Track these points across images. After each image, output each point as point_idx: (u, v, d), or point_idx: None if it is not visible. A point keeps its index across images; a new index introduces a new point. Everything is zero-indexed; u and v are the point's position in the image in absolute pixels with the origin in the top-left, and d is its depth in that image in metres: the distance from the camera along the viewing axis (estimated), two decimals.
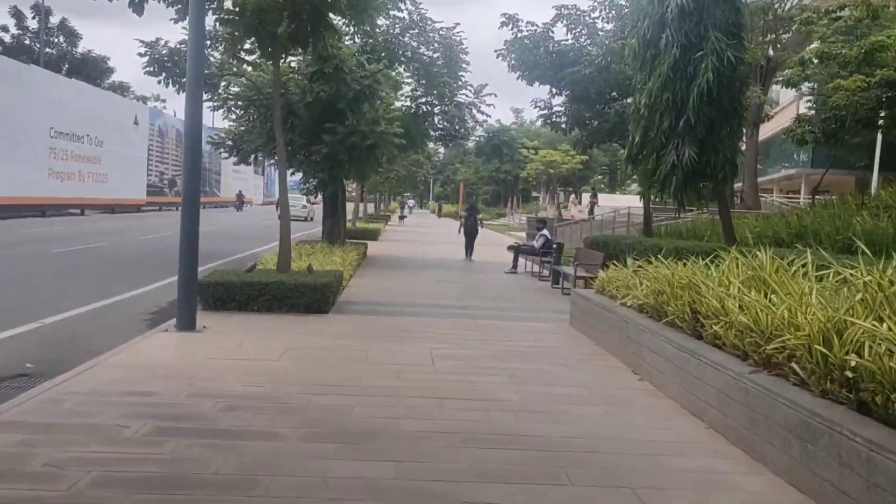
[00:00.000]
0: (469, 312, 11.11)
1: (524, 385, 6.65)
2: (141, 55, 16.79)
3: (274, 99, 11.72)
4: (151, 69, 16.90)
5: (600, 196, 59.73)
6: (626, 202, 53.85)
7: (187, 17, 9.28)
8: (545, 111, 15.19)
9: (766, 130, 29.19)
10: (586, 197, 46.58)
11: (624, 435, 5.32)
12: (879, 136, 18.71)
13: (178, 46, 17.13)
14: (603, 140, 14.75)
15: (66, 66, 56.31)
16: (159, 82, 16.22)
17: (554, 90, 14.29)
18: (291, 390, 6.16)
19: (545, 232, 18.06)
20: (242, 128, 19.62)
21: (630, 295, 8.50)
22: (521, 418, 5.62)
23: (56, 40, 57.85)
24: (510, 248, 18.84)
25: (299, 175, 20.57)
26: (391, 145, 16.96)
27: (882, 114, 14.08)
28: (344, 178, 18.97)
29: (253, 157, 19.13)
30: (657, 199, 10.07)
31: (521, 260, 18.30)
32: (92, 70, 57.18)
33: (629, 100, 13.44)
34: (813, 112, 16.42)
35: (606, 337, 8.48)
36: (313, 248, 16.66)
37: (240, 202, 63.08)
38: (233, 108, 18.57)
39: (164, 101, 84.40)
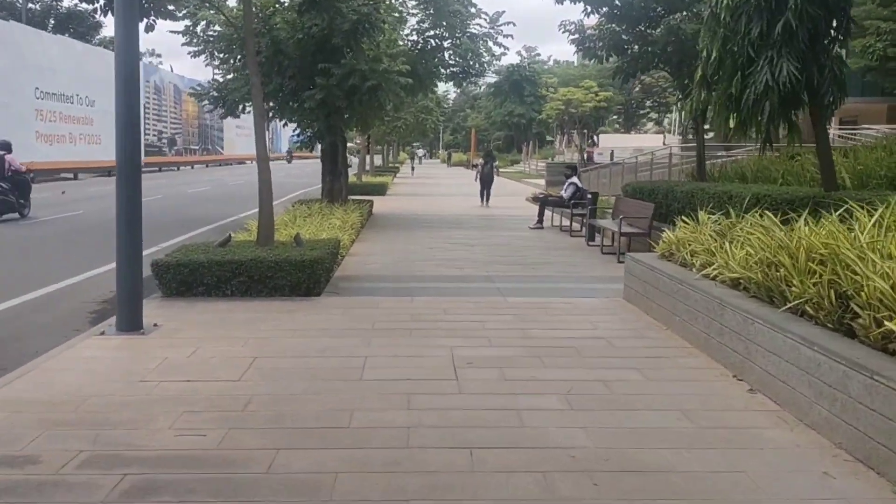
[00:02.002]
0: (496, 286, 8.96)
1: (592, 414, 4.53)
2: None
3: (245, 30, 9.40)
4: None
5: (612, 138, 56.86)
6: (641, 142, 51.06)
7: None
8: (576, 35, 12.72)
9: None
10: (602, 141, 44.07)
11: None
12: None
13: None
14: (648, 67, 12.32)
15: (52, 21, 53.58)
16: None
17: (588, 7, 11.82)
18: (249, 441, 4.08)
19: (575, 180, 15.76)
20: (230, 76, 17.33)
21: (717, 265, 6.30)
22: (604, 487, 3.51)
23: None
24: (535, 198, 16.60)
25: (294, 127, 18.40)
26: (397, 86, 14.61)
27: None
28: (344, 127, 16.66)
29: (241, 107, 16.81)
30: (727, 134, 7.75)
31: (548, 212, 16.06)
32: (79, 25, 54.36)
33: (677, 16, 10.99)
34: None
35: (687, 322, 6.31)
36: (310, 210, 14.50)
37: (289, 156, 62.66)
38: (215, 53, 16.23)
39: (159, 55, 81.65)
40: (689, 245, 7.14)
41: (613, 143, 46.28)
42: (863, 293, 4.23)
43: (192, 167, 58.26)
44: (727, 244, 6.45)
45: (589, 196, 13.63)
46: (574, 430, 4.25)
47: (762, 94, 6.89)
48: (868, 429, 3.69)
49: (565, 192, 15.57)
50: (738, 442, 4.09)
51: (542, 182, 32.79)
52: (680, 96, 12.41)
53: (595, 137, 56.32)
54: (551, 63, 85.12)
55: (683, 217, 7.89)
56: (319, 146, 17.74)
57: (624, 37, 12.39)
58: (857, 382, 3.81)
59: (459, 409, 4.59)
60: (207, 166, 60.90)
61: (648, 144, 46.96)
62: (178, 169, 54.86)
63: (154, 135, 51.85)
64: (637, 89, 66.63)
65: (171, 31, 15.60)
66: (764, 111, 6.95)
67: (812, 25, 6.78)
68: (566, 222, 15.57)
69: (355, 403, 4.67)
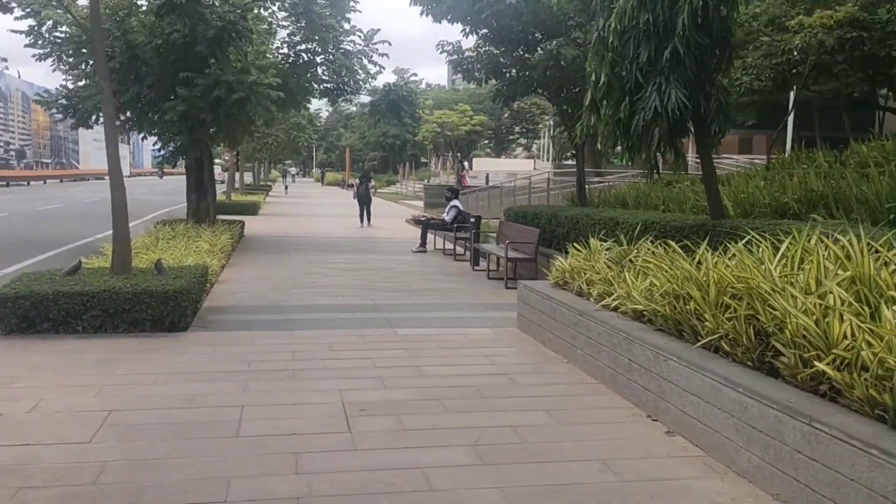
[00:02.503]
0: (383, 316, 8.38)
1: (506, 469, 4.04)
2: None
3: (93, 29, 8.38)
4: None
5: (485, 161, 57.74)
6: (514, 166, 52.17)
7: None
8: (454, 56, 12.44)
9: None
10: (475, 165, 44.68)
11: None
12: (794, 92, 17.29)
13: None
14: (527, 91, 12.17)
15: None
16: None
17: (467, 28, 11.56)
18: None
19: (457, 203, 15.47)
20: (81, 82, 15.83)
21: (616, 296, 6.04)
22: None
23: None
24: (417, 221, 16.16)
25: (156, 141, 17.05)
26: (267, 100, 13.78)
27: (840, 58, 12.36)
28: (210, 142, 15.58)
29: (94, 118, 15.37)
30: (628, 160, 7.58)
31: (430, 235, 15.66)
32: None
33: (555, 42, 10.92)
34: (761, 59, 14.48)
35: (590, 356, 5.99)
36: (174, 231, 13.36)
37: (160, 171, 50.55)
38: (63, 57, 14.76)
39: (5, 59, 75.22)
40: (585, 273, 6.87)
41: (487, 167, 46.98)
42: (786, 330, 4.00)
43: (45, 182, 53.95)
44: (626, 273, 6.21)
45: (472, 220, 13.34)
46: (489, 490, 3.75)
47: (651, 121, 6.75)
48: (810, 480, 3.41)
49: (447, 216, 15.24)
50: (670, 497, 3.72)
51: (421, 204, 32.54)
52: (559, 121, 12.36)
53: (466, 162, 57.01)
54: (423, 86, 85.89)
55: (574, 244, 7.65)
56: (184, 162, 16.53)
57: (502, 60, 12.22)
58: (794, 429, 3.53)
59: (355, 469, 3.97)
60: (62, 181, 56.58)
61: (521, 168, 48.04)
62: (29, 184, 50.63)
63: (0, 146, 47.63)
64: (507, 115, 68.38)
65: (13, 31, 14.05)
66: (653, 137, 6.81)
67: (699, 53, 6.73)
68: (449, 246, 15.22)
69: (232, 468, 3.96)
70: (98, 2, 8.32)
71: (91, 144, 69.89)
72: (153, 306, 7.20)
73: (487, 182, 31.21)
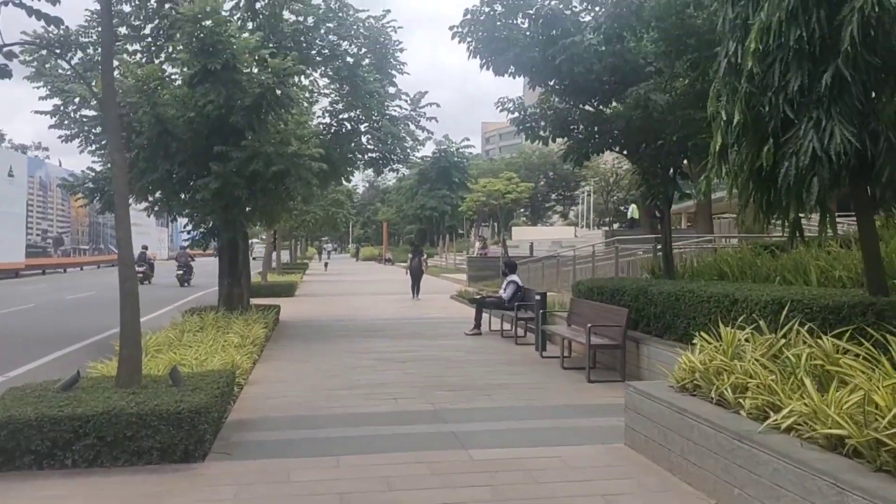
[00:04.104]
0: (449, 429, 6.68)
1: None
2: None
3: (103, 84, 7.07)
4: None
5: (525, 230, 56.18)
6: (556, 234, 50.47)
7: None
8: (516, 114, 11.05)
9: None
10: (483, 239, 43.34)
11: None
12: None
13: None
14: (601, 148, 10.67)
15: None
16: None
17: (532, 80, 10.18)
18: None
19: (515, 278, 13.86)
20: (109, 164, 14.80)
21: (791, 412, 4.32)
22: None
23: None
24: (472, 301, 14.57)
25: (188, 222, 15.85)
26: (308, 172, 12.50)
27: None
28: (245, 221, 14.31)
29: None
30: (765, 222, 5.92)
31: (485, 314, 14.01)
32: None
33: (643, 89, 9.41)
34: None
35: (758, 502, 4.22)
36: (203, 321, 11.94)
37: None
38: (89, 137, 13.73)
39: (46, 149, 77.02)
40: (728, 376, 5.15)
41: (527, 236, 45.40)
42: None
43: (81, 269, 53.69)
44: (803, 378, 4.49)
45: (537, 297, 11.68)
46: None
47: (807, 168, 5.13)
48: None
49: (505, 293, 13.62)
50: None
51: (464, 277, 30.96)
52: (637, 180, 10.77)
53: (484, 234, 55.63)
54: (480, 152, 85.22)
55: (700, 333, 5.95)
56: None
57: (570, 115, 10.78)
58: None
59: None
60: (99, 267, 56.32)
61: (563, 236, 46.34)
62: (65, 271, 50.32)
63: (38, 234, 47.58)
64: (543, 182, 67.28)
65: (37, 112, 13.11)
66: (810, 189, 5.18)
67: (868, 78, 5.16)
68: (507, 326, 13.55)
69: None
70: (110, 57, 7.07)
71: (130, 229, 70.19)
72: (162, 431, 5.63)
73: (532, 252, 29.53)
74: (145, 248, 37.73)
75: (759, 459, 4.23)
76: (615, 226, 45.47)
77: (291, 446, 6.14)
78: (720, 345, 5.62)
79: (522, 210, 70.90)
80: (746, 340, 5.59)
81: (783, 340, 5.44)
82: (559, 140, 11.15)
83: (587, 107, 10.68)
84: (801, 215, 6.05)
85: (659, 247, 12.45)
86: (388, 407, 7.66)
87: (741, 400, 4.87)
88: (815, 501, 3.74)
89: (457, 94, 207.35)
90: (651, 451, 5.62)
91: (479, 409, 7.56)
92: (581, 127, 10.88)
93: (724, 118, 5.60)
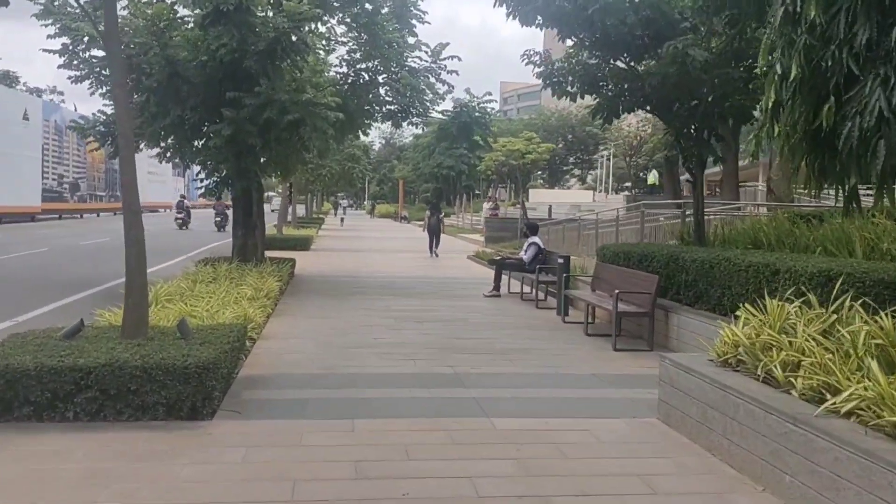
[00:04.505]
0: (470, 395, 6.33)
1: None
2: None
3: (106, 27, 6.62)
4: None
5: (543, 193, 55.24)
6: (574, 198, 49.78)
7: None
8: (542, 68, 10.48)
9: None
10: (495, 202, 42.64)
11: None
12: None
13: None
14: (633, 106, 10.10)
15: None
16: None
17: (560, 31, 9.56)
18: None
19: (537, 240, 13.41)
20: (120, 109, 14.35)
21: (851, 395, 3.93)
22: None
23: None
24: (492, 262, 14.17)
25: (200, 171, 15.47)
26: (324, 122, 12.03)
27: None
28: (259, 171, 13.90)
29: (135, 144, 13.83)
30: (817, 188, 5.45)
31: (504, 276, 13.62)
32: None
33: (681, 44, 8.80)
34: None
35: (814, 491, 3.85)
36: (216, 272, 11.65)
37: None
38: (100, 78, 13.28)
39: (61, 93, 76.48)
40: (777, 352, 4.74)
41: (544, 198, 44.73)
42: None
43: (98, 215, 53.72)
44: (868, 360, 4.08)
45: (560, 260, 11.25)
46: None
47: (873, 129, 4.64)
48: None
49: (526, 255, 13.20)
50: None
51: (480, 238, 30.52)
52: (670, 141, 10.24)
53: (510, 194, 54.62)
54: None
55: (746, 305, 5.53)
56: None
57: (598, 73, 10.21)
58: None
59: None
60: (116, 214, 56.29)
61: (581, 200, 45.63)
62: (82, 217, 50.37)
63: (54, 179, 47.47)
64: (561, 145, 66.19)
65: (45, 51, 12.65)
66: (877, 152, 4.69)
67: None
68: (527, 289, 13.17)
69: None
70: None
71: (145, 177, 70.10)
72: (168, 386, 5.32)
73: (550, 215, 28.94)
74: (183, 196, 38.88)
75: (816, 446, 3.85)
76: (634, 191, 44.70)
77: (305, 407, 5.83)
78: (766, 318, 5.20)
79: (540, 173, 70.00)
80: (796, 315, 5.17)
81: (834, 316, 5.03)
82: (587, 98, 10.60)
83: (618, 62, 10.10)
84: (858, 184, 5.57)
85: (689, 212, 11.98)
86: (405, 368, 7.33)
87: (792, 379, 4.47)
88: (884, 497, 3.36)
89: (475, 55, 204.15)
90: (688, 429, 5.25)
91: (502, 374, 7.22)
92: (611, 84, 10.33)
93: (779, 72, 5.09)
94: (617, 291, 8.62)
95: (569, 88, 10.58)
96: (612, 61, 10.31)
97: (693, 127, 9.66)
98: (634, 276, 9.15)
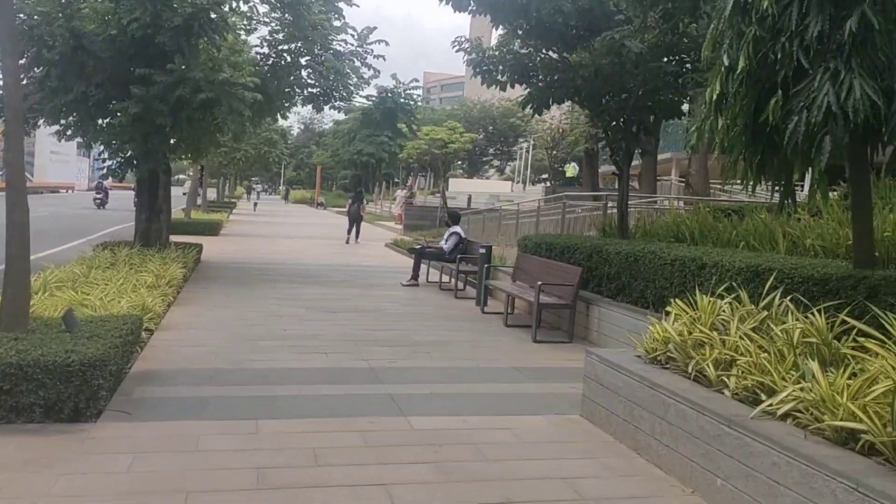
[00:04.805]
0: (386, 391, 5.96)
1: None
2: None
3: None
4: None
5: (462, 182, 55.19)
6: (493, 188, 49.94)
7: None
8: (473, 55, 10.17)
9: None
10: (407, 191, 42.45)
11: None
12: None
13: None
14: (564, 97, 9.90)
15: None
16: None
17: (494, 18, 9.24)
18: None
19: (457, 229, 13.14)
20: (9, 79, 13.21)
21: (788, 397, 3.77)
22: None
23: None
24: (411, 250, 13.80)
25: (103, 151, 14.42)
26: (240, 103, 11.34)
27: None
28: (167, 152, 13.06)
29: (32, 122, 12.73)
30: (752, 183, 5.32)
31: (423, 265, 13.28)
32: None
33: (618, 34, 8.63)
34: None
35: (748, 497, 3.67)
36: (115, 257, 10.84)
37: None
38: None
39: None
40: (710, 350, 4.57)
41: (464, 188, 44.62)
42: None
43: None
44: (809, 363, 3.92)
45: (481, 250, 10.99)
46: None
47: (820, 124, 4.50)
48: None
49: (446, 244, 12.90)
50: None
51: (399, 226, 30.08)
52: (594, 134, 10.11)
53: (411, 182, 54.23)
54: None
55: (676, 300, 5.34)
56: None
57: (529, 63, 9.97)
58: None
59: None
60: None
61: (500, 191, 45.72)
62: None
63: None
64: (482, 136, 66.35)
65: None
66: (822, 148, 4.56)
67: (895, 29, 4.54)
68: (446, 278, 12.88)
69: None
70: None
71: (47, 157, 66.42)
72: (47, 385, 4.72)
73: (469, 204, 28.73)
74: (102, 177, 39.39)
75: (752, 450, 3.66)
76: (553, 183, 45.13)
77: (204, 406, 5.32)
78: (697, 314, 5.03)
79: (460, 162, 70.01)
80: (728, 311, 5.01)
81: (766, 313, 4.90)
82: (510, 90, 10.40)
83: (551, 53, 9.88)
84: (796, 179, 5.48)
85: (610, 204, 11.92)
86: (317, 363, 6.88)
87: (725, 378, 4.30)
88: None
89: (401, 45, 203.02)
90: (613, 427, 5.03)
91: (419, 368, 6.87)
92: (542, 75, 10.10)
93: (727, 64, 4.90)
94: (539, 283, 8.41)
95: (499, 77, 10.33)
96: (544, 51, 10.11)
97: (622, 120, 9.54)
98: (557, 268, 8.98)
